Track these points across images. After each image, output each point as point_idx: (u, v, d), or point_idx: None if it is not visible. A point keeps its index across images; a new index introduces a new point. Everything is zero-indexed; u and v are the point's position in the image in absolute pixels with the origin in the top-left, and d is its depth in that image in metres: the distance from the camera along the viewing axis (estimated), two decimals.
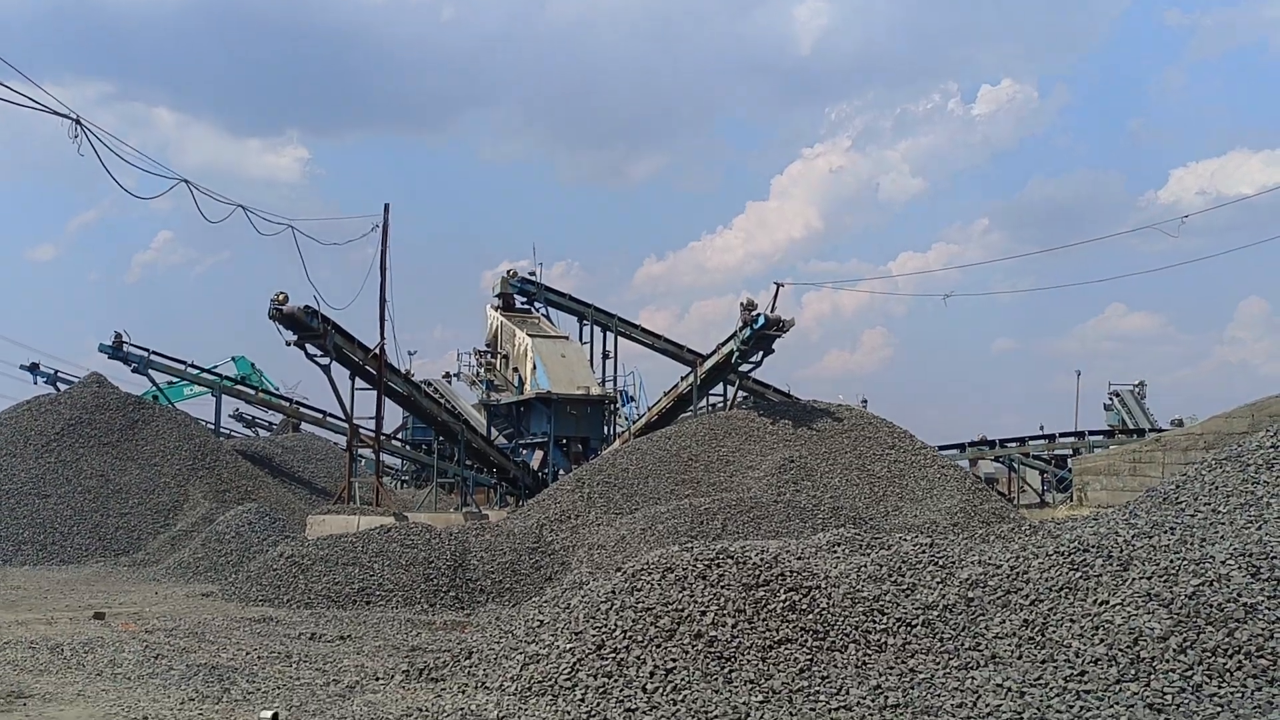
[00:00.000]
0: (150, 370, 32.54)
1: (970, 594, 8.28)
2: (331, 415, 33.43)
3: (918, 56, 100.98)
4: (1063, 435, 34.83)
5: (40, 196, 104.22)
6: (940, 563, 8.97)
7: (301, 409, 35.24)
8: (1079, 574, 8.01)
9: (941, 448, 28.30)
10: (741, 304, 24.18)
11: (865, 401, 37.20)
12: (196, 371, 33.74)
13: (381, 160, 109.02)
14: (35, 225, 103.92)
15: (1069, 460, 34.24)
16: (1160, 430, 33.81)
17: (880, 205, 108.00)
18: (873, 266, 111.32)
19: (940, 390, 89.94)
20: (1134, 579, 7.65)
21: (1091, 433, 35.06)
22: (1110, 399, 43.51)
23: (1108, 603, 7.50)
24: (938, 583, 8.60)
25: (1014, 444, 35.09)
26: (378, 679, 9.34)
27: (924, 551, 9.29)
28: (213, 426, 32.75)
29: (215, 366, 35.80)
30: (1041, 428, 36.89)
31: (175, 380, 34.20)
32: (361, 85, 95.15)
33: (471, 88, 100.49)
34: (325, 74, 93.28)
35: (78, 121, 13.08)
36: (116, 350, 31.78)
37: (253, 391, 36.30)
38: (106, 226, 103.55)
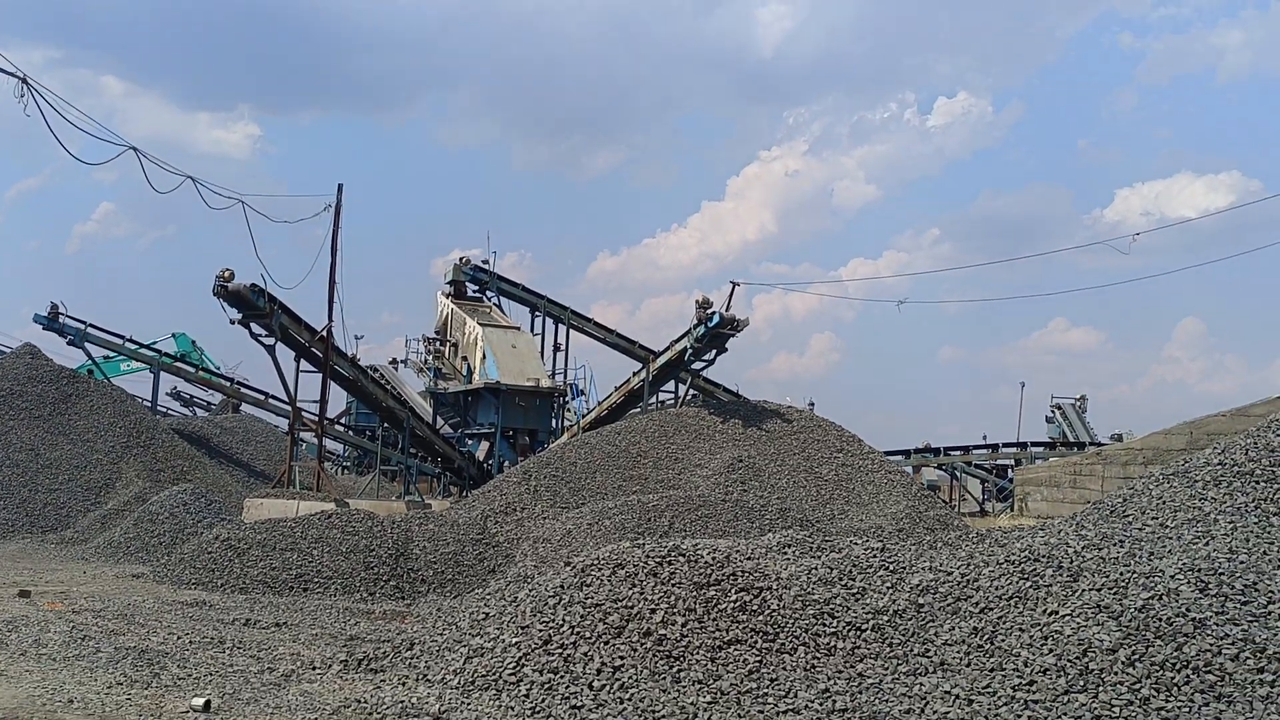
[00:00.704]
0: (86, 343, 31.67)
1: (920, 600, 8.27)
2: (274, 397, 32.82)
3: (877, 65, 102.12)
4: (1005, 445, 35.38)
5: None
6: (891, 568, 8.97)
7: (243, 389, 34.55)
8: (1029, 583, 8.03)
9: (887, 453, 28.52)
10: (697, 301, 24.15)
11: (812, 404, 37.37)
12: (135, 347, 32.91)
13: (334, 140, 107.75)
14: None
15: (1010, 470, 34.82)
16: (1100, 444, 34.43)
17: (834, 211, 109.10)
18: (824, 271, 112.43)
19: (885, 396, 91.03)
20: (1084, 590, 7.68)
21: (1033, 444, 35.66)
22: (1052, 411, 44.23)
23: (1057, 613, 7.52)
24: (888, 588, 8.58)
25: (957, 452, 35.58)
26: (314, 668, 9.11)
27: (875, 556, 9.28)
28: (149, 404, 31.97)
29: (155, 342, 34.98)
30: (984, 437, 37.44)
31: (112, 355, 33.32)
32: (317, 62, 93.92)
33: (430, 70, 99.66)
34: (281, 49, 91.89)
35: (24, 81, 12.62)
36: (52, 321, 30.89)
37: (192, 370, 35.52)
38: (47, 195, 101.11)
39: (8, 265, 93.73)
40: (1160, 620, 7.06)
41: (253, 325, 22.77)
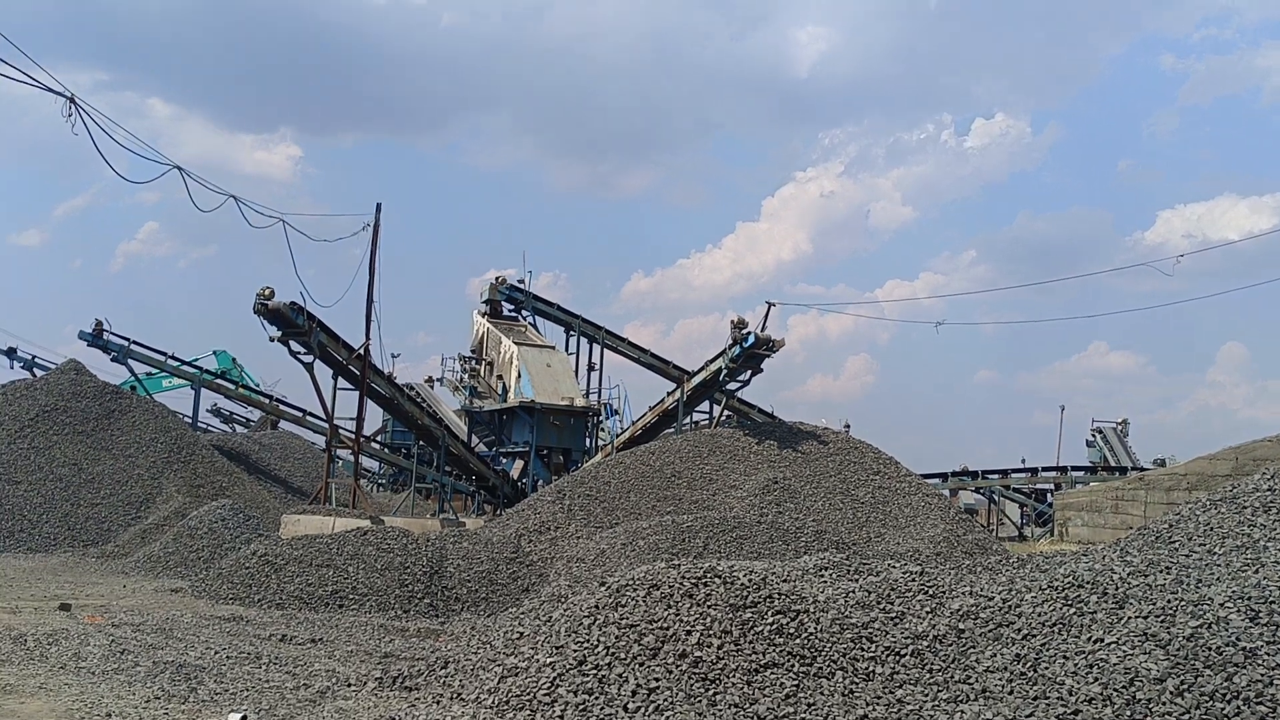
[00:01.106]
0: (130, 360, 32.15)
1: (961, 625, 8.12)
2: (311, 414, 33.11)
3: (913, 86, 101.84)
4: (1045, 469, 34.88)
5: (29, 181, 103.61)
6: (930, 592, 8.81)
7: (281, 406, 34.87)
8: (1073, 610, 7.85)
9: (923, 476, 28.22)
10: (732, 322, 24.09)
11: (848, 426, 37.11)
12: (177, 364, 33.35)
13: (373, 162, 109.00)
14: (22, 210, 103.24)
15: (1049, 495, 34.32)
16: (1142, 469, 33.87)
17: (870, 232, 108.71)
18: (859, 292, 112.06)
19: (921, 418, 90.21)
20: (1130, 618, 7.50)
21: (1074, 468, 35.13)
22: (1093, 435, 43.60)
23: (1102, 641, 7.35)
24: (928, 612, 8.43)
25: (996, 476, 35.11)
26: (349, 685, 9.11)
27: (914, 580, 9.13)
28: (190, 420, 32.34)
29: (196, 359, 35.43)
30: (1023, 461, 36.94)
31: (155, 371, 33.80)
32: (357, 86, 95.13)
33: (466, 93, 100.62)
34: (322, 73, 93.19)
35: (72, 100, 12.84)
36: (96, 338, 31.40)
37: (232, 386, 35.90)
38: (93, 214, 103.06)
39: (54, 283, 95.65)
40: (1210, 649, 6.87)
41: (292, 343, 23.01)
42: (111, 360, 31.94)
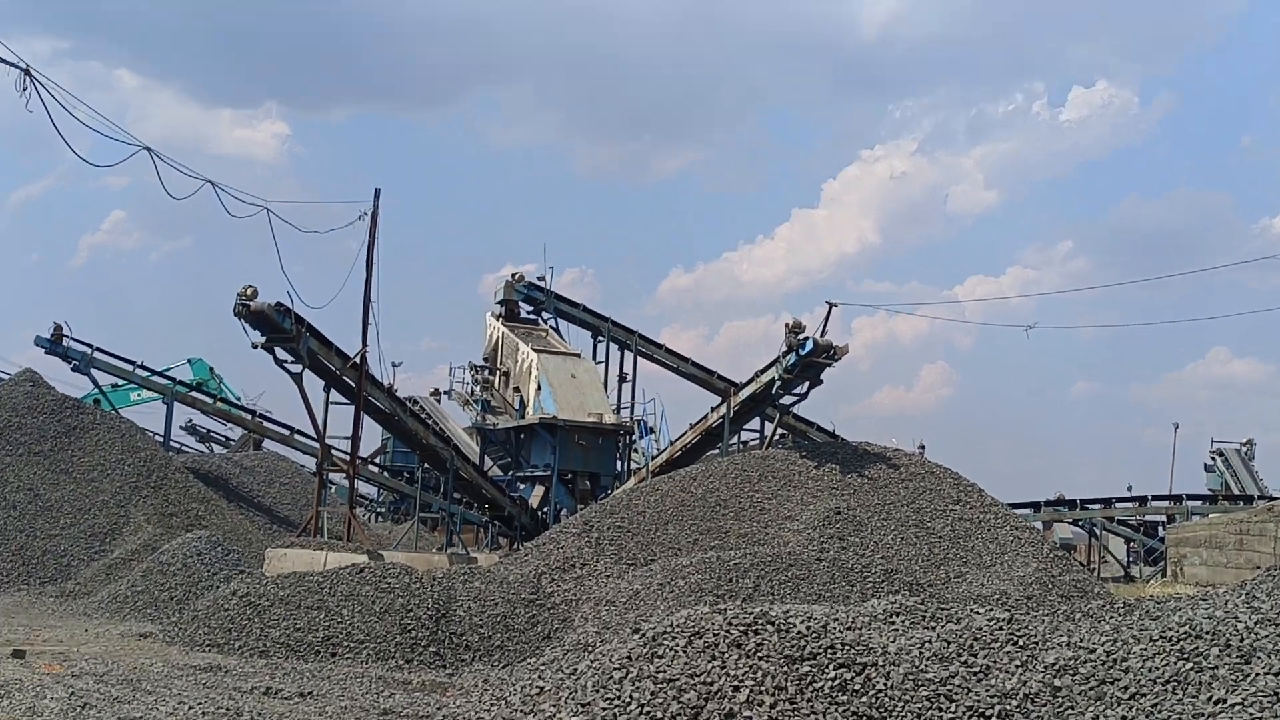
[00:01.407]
0: (93, 369, 32.64)
1: (1057, 682, 8.09)
2: (300, 433, 33.40)
3: (999, 50, 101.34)
4: (1155, 498, 34.64)
5: None
6: (1020, 643, 8.79)
7: (265, 423, 35.23)
8: (1190, 665, 7.79)
9: (1011, 505, 28.06)
10: (786, 325, 24.05)
11: (923, 447, 37.00)
12: (146, 374, 33.81)
13: (371, 141, 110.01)
14: None
15: (1161, 528, 34.02)
16: (1271, 498, 33.48)
17: (948, 219, 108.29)
18: (936, 290, 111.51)
19: (1009, 438, 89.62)
20: (1258, 674, 7.42)
21: (1189, 497, 34.82)
22: (1212, 458, 43.24)
23: (1225, 701, 7.28)
24: (1017, 666, 8.40)
25: (1097, 505, 34.87)
26: None
27: (1000, 628, 9.10)
28: (162, 439, 32.74)
29: (168, 369, 35.90)
30: (1129, 488, 36.68)
31: (121, 383, 34.31)
32: (353, 54, 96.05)
33: (479, 62, 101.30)
34: (311, 40, 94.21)
35: (27, 72, 13.08)
36: (55, 344, 31.90)
37: (210, 400, 36.30)
38: (52, 202, 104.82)
39: (7, 281, 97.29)
40: None
41: (277, 350, 23.22)
42: (72, 370, 32.47)
